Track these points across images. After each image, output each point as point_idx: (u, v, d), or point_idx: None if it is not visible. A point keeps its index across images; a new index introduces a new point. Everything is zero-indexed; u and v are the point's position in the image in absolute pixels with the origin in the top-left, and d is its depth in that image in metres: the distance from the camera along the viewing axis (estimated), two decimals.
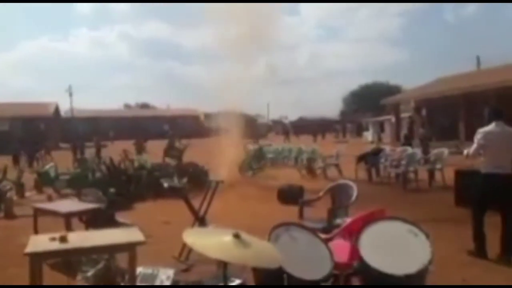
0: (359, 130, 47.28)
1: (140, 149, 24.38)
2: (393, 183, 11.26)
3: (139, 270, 4.07)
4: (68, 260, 4.07)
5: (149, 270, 4.13)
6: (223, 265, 2.10)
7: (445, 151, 11.75)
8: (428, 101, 29.22)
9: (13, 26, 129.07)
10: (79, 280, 4.05)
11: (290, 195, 8.42)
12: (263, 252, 2.08)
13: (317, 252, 2.76)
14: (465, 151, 5.42)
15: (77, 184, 11.02)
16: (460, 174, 8.25)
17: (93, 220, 5.93)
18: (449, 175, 9.74)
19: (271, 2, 14.40)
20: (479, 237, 5.02)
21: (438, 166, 11.20)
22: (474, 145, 5.15)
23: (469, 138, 23.03)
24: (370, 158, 12.59)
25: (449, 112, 27.08)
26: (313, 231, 2.96)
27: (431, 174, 11.03)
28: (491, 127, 5.14)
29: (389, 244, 2.85)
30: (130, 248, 3.29)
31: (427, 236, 2.79)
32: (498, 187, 4.94)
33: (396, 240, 2.86)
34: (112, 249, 3.50)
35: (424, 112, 29.73)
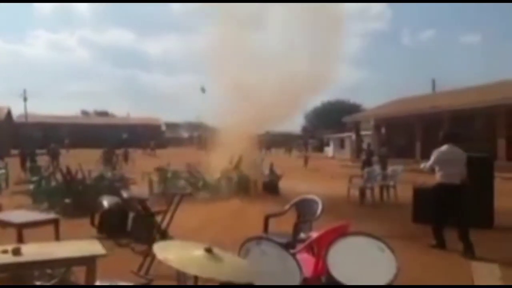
0: (321, 146, 48.15)
1: (109, 159, 23.53)
2: (349, 198, 11.50)
3: (96, 284, 3.89)
4: (19, 274, 3.83)
5: (106, 285, 3.95)
6: (194, 278, 2.02)
7: (399, 168, 12.19)
8: (387, 121, 30.29)
9: None
10: None
11: None
12: (236, 266, 2.03)
13: (287, 267, 2.73)
14: (422, 165, 6.78)
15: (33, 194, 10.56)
16: (418, 191, 8.51)
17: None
18: (403, 192, 10.45)
19: (270, 2, 14.52)
20: (439, 232, 6.26)
21: (391, 183, 11.58)
22: (430, 161, 6.47)
23: (425, 156, 23.92)
24: None
25: (407, 131, 28.18)
26: (284, 246, 2.93)
27: (383, 190, 11.48)
28: (444, 148, 6.45)
29: (356, 259, 2.88)
30: (89, 261, 3.13)
31: (393, 251, 2.84)
32: (451, 194, 6.19)
33: (364, 255, 2.89)
34: (69, 262, 3.32)
35: (383, 130, 30.77)
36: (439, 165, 6.32)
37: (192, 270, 1.88)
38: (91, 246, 3.35)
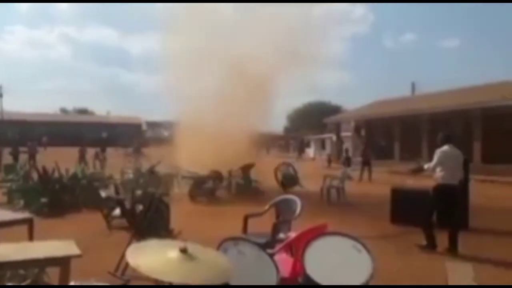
0: (302, 147, 48.33)
1: (82, 157, 23.22)
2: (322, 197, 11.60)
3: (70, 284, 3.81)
4: None
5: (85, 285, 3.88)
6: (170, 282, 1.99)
7: (348, 170, 13.56)
8: (367, 122, 30.65)
9: None
10: None
11: None
12: (212, 266, 2.00)
13: (264, 267, 2.73)
14: (426, 166, 6.78)
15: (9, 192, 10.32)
16: (396, 192, 8.63)
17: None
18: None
19: (269, 2, 14.49)
20: (430, 233, 6.32)
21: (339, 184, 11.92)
22: (434, 161, 6.44)
23: (403, 158, 24.40)
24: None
25: (386, 133, 28.58)
26: (261, 246, 2.93)
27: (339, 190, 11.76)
28: (446, 148, 6.46)
29: (333, 259, 2.90)
30: (63, 262, 3.06)
31: (369, 252, 2.87)
32: (451, 194, 6.31)
33: (340, 255, 2.91)
34: (43, 263, 3.24)
35: (363, 132, 31.12)
36: (441, 166, 6.34)
37: (165, 277, 1.84)
38: (66, 247, 3.27)
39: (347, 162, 20.17)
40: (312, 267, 2.80)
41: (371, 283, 2.75)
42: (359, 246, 2.93)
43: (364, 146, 21.99)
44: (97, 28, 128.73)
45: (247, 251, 2.76)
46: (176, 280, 1.87)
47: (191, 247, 2.01)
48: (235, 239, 2.82)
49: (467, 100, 22.88)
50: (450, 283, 4.48)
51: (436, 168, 6.39)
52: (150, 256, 1.99)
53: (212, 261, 2.07)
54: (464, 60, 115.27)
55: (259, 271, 2.72)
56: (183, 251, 1.95)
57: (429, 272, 5.28)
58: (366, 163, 19.07)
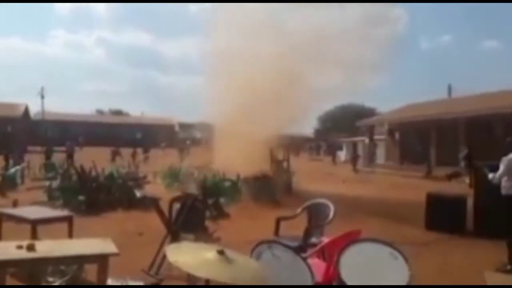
0: (334, 150, 47.77)
1: (115, 157, 24.00)
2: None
3: (107, 282, 3.92)
4: (32, 270, 3.88)
5: (117, 283, 3.98)
6: (205, 281, 2.02)
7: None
8: (401, 125, 29.96)
9: None
10: None
11: None
12: (248, 269, 2.02)
13: (299, 271, 2.72)
14: (491, 175, 5.97)
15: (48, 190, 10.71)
16: (432, 198, 8.40)
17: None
18: None
19: (270, 2, 14.54)
20: None
21: None
22: (500, 171, 5.76)
23: (439, 163, 23.55)
24: None
25: (421, 137, 27.82)
26: (296, 250, 2.92)
27: None
28: None
29: (369, 267, 2.84)
30: (101, 259, 3.16)
31: (407, 260, 2.80)
32: None
33: (376, 263, 2.86)
34: (82, 260, 3.36)
35: (397, 135, 30.44)
36: (508, 175, 5.70)
37: (202, 273, 1.87)
38: (104, 245, 3.38)
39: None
40: (347, 273, 2.76)
41: None
42: (396, 253, 2.86)
43: (467, 149, 20.31)
44: (133, 32, 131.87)
45: (281, 254, 2.76)
46: (212, 277, 1.89)
47: (228, 251, 2.04)
48: (269, 243, 2.82)
49: (508, 102, 21.95)
50: None
51: (503, 177, 5.75)
52: (188, 255, 2.03)
53: (248, 264, 2.08)
54: (503, 61, 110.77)
55: (294, 275, 2.71)
56: (221, 252, 1.98)
57: (466, 279, 5.10)
58: (469, 166, 17.22)
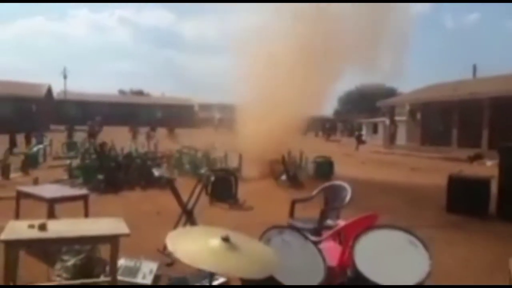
0: (352, 130, 47.22)
1: (135, 135, 24.28)
2: None
3: (121, 262, 3.93)
4: (46, 249, 3.91)
5: (131, 263, 4.00)
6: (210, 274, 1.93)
7: None
8: (423, 106, 29.25)
9: (9, 4, 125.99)
10: (57, 269, 3.90)
11: None
12: (255, 258, 1.91)
13: (311, 258, 2.61)
14: None
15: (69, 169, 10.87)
16: (453, 180, 8.18)
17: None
18: None
19: (271, 2, 14.16)
20: None
21: None
22: None
23: (462, 145, 23.15)
24: None
25: (443, 118, 27.13)
26: (307, 236, 2.81)
27: None
28: None
29: (386, 254, 2.71)
30: (112, 240, 3.14)
31: (427, 247, 2.66)
32: None
33: (394, 251, 2.72)
34: (93, 240, 3.36)
35: (418, 116, 29.76)
36: None
37: (205, 265, 1.76)
38: (116, 225, 3.36)
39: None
40: (363, 261, 2.64)
41: (427, 283, 2.54)
42: (415, 241, 2.71)
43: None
44: (154, 11, 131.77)
45: (292, 240, 2.65)
46: (214, 270, 1.79)
47: (234, 237, 1.93)
48: (280, 228, 2.72)
49: None
50: None
51: None
52: (190, 242, 1.93)
53: (255, 253, 1.98)
54: None
55: (306, 261, 2.61)
56: (225, 239, 1.88)
57: (488, 268, 4.94)
58: None
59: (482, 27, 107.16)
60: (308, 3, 13.94)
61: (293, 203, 4.98)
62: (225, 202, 8.41)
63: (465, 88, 26.42)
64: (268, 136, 12.63)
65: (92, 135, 26.06)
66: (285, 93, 13.61)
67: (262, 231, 2.74)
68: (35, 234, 2.95)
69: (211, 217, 6.27)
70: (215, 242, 1.88)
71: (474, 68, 35.41)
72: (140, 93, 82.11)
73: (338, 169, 12.83)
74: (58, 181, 9.49)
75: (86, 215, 5.02)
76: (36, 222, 3.11)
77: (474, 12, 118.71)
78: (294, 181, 10.72)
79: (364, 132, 42.49)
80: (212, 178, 8.60)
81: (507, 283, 3.62)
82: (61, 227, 3.23)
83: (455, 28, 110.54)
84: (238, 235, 2.01)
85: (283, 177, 10.98)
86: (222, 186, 8.73)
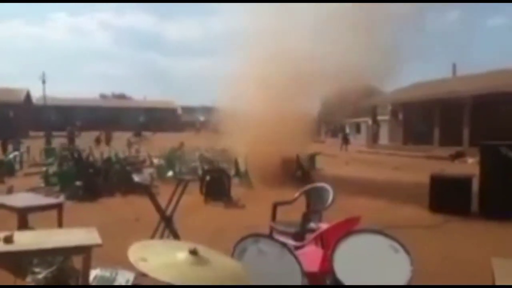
0: (334, 131, 47.50)
1: (108, 140, 23.81)
2: None
3: (96, 272, 3.77)
4: (16, 262, 3.72)
5: (106, 273, 3.84)
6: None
7: None
8: (404, 105, 29.56)
9: None
10: (28, 281, 3.72)
11: None
12: (225, 272, 1.79)
13: (287, 267, 2.48)
14: None
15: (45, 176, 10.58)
16: (435, 180, 8.20)
17: None
18: None
19: (269, 2, 14.02)
20: None
21: None
22: None
23: (443, 143, 23.38)
24: None
25: (425, 117, 27.45)
26: (284, 243, 2.68)
27: None
28: None
29: (366, 261, 2.61)
30: (84, 251, 2.98)
31: (408, 253, 2.57)
32: None
33: (375, 257, 2.63)
34: (63, 252, 3.18)
35: (400, 116, 30.07)
36: None
37: (166, 277, 1.63)
38: (88, 235, 3.19)
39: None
40: (342, 268, 2.54)
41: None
42: (396, 245, 2.62)
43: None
44: (134, 14, 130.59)
45: (268, 249, 2.53)
46: (179, 283, 1.66)
47: (203, 250, 1.80)
48: (255, 236, 2.60)
49: None
50: (498, 282, 4.11)
51: None
52: (155, 254, 1.80)
53: (225, 266, 1.85)
54: (509, 39, 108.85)
55: (282, 270, 2.49)
56: (193, 252, 1.75)
57: (472, 268, 4.91)
58: None
59: (461, 25, 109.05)
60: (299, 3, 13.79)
61: (275, 206, 4.87)
62: (220, 200, 8.82)
63: (446, 87, 26.76)
64: (255, 137, 12.50)
65: (72, 140, 25.61)
66: (267, 93, 13.50)
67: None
68: (0, 247, 2.77)
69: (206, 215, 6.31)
70: (182, 255, 1.75)
71: (454, 67, 35.93)
72: (122, 96, 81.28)
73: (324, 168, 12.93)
74: (34, 189, 9.20)
75: (60, 225, 4.82)
76: (2, 234, 2.93)
77: (454, 10, 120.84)
78: (308, 178, 11.52)
79: (347, 131, 42.75)
80: (208, 178, 9.24)
81: (489, 283, 3.59)
82: (30, 239, 3.05)
83: (434, 26, 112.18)
84: (208, 249, 1.88)
85: (298, 173, 12.11)
86: (216, 186, 9.24)
